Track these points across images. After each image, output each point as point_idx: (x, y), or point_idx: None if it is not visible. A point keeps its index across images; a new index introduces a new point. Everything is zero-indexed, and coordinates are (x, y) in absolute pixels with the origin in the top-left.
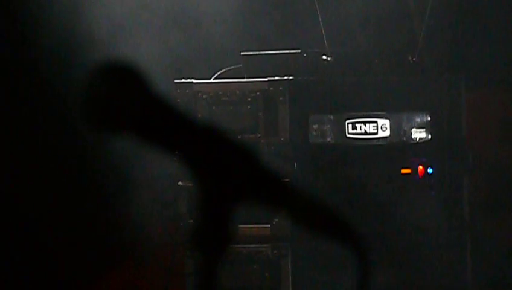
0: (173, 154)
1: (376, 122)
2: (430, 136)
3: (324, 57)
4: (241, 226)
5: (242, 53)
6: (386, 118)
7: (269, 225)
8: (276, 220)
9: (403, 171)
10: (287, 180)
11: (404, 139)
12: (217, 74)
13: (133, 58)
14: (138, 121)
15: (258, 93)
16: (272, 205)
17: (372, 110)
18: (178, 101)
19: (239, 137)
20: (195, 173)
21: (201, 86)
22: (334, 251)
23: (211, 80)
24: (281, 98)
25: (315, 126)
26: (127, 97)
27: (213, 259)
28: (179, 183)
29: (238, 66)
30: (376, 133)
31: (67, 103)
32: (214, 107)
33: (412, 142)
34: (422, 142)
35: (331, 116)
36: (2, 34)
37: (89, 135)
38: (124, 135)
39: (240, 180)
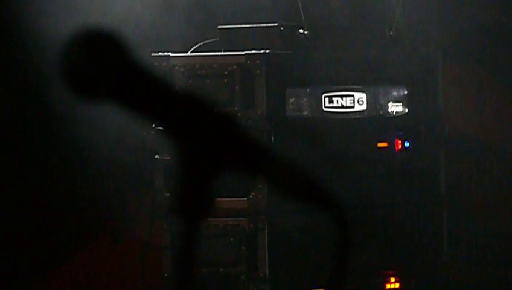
0: (151, 126)
1: (353, 96)
2: (406, 110)
3: (301, 30)
4: (218, 199)
5: (219, 27)
6: (362, 92)
7: (246, 198)
8: (253, 193)
9: (380, 144)
10: (265, 150)
11: (381, 112)
12: (193, 48)
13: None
14: (116, 88)
15: (234, 66)
16: (251, 175)
17: (349, 84)
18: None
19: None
20: (172, 144)
21: (178, 59)
22: (311, 224)
23: (188, 54)
24: (257, 72)
25: (292, 100)
26: (105, 64)
27: (190, 232)
28: (156, 156)
29: (215, 39)
30: (353, 107)
31: (44, 69)
32: (190, 81)
33: (389, 115)
34: (399, 116)
35: (308, 90)
36: None
37: (65, 103)
38: (101, 103)
39: (218, 151)
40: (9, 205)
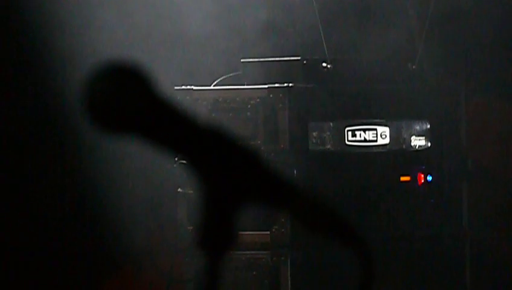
0: (174, 159)
1: (376, 129)
2: (429, 144)
3: (324, 64)
4: (241, 233)
5: (242, 60)
6: (385, 126)
7: (269, 232)
8: (276, 227)
9: (402, 178)
10: (288, 184)
11: (404, 146)
12: (216, 81)
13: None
14: (139, 122)
15: (257, 100)
16: (274, 209)
17: (372, 118)
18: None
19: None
20: (195, 177)
21: (201, 92)
22: (334, 257)
23: (211, 87)
24: (280, 105)
25: (315, 133)
26: (128, 97)
27: (213, 265)
28: (179, 190)
29: (238, 73)
30: (376, 141)
31: (68, 103)
32: (213, 114)
33: (412, 149)
34: (421, 150)
35: (331, 124)
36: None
37: (88, 136)
38: (125, 137)
39: (241, 185)
40: (36, 236)
